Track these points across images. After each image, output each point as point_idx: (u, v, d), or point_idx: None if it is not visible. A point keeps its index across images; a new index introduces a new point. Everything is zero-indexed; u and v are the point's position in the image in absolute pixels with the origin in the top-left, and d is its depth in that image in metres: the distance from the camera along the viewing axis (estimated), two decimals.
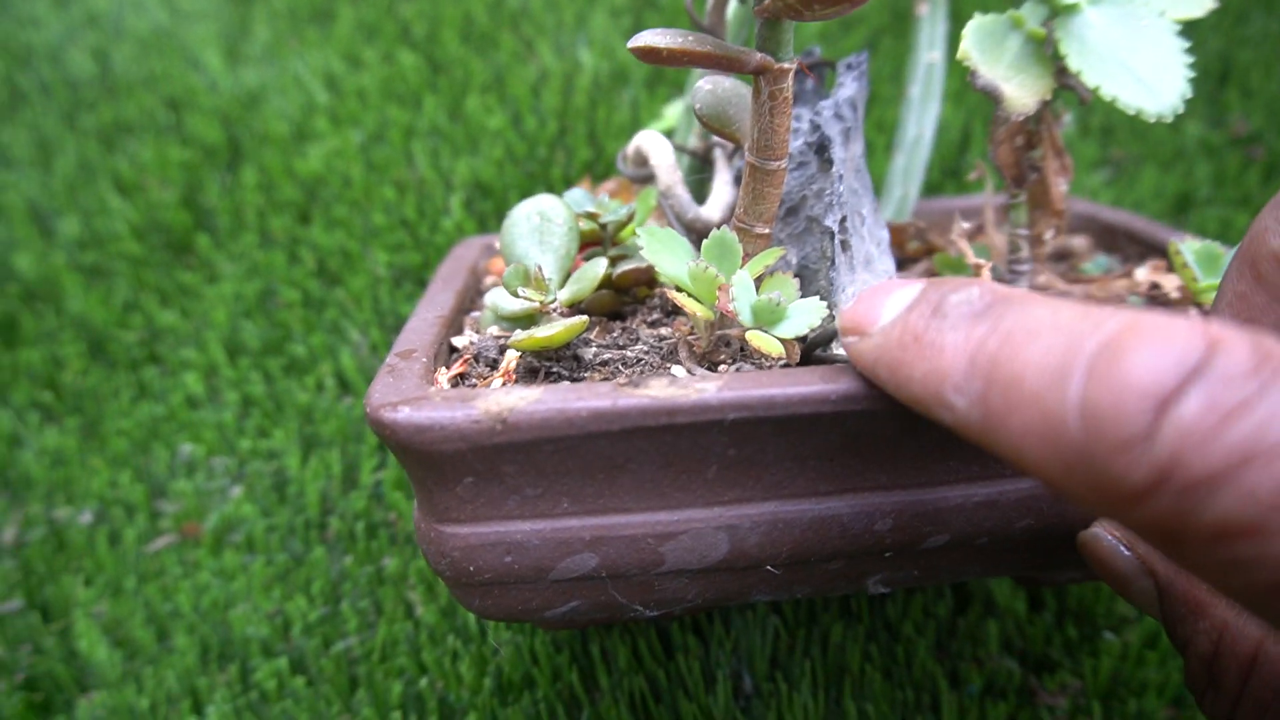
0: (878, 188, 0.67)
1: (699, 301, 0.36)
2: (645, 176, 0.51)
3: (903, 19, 0.86)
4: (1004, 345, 0.22)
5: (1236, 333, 0.19)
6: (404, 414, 0.30)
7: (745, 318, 0.35)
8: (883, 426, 0.31)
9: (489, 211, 0.74)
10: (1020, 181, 0.41)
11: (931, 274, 0.47)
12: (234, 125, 0.84)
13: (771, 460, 0.31)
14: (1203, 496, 0.18)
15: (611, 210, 0.45)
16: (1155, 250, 0.47)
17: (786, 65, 0.34)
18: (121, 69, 0.92)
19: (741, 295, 0.34)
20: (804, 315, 0.34)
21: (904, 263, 0.51)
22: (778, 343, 0.34)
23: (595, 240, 0.47)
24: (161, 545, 0.64)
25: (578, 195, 0.47)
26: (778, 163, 0.36)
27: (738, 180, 0.47)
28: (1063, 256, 0.53)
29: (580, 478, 0.31)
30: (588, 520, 0.32)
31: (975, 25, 0.37)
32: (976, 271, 0.42)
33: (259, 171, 0.80)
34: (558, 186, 0.74)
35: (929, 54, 0.55)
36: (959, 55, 0.37)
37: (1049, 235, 0.43)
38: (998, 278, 0.44)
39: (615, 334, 0.41)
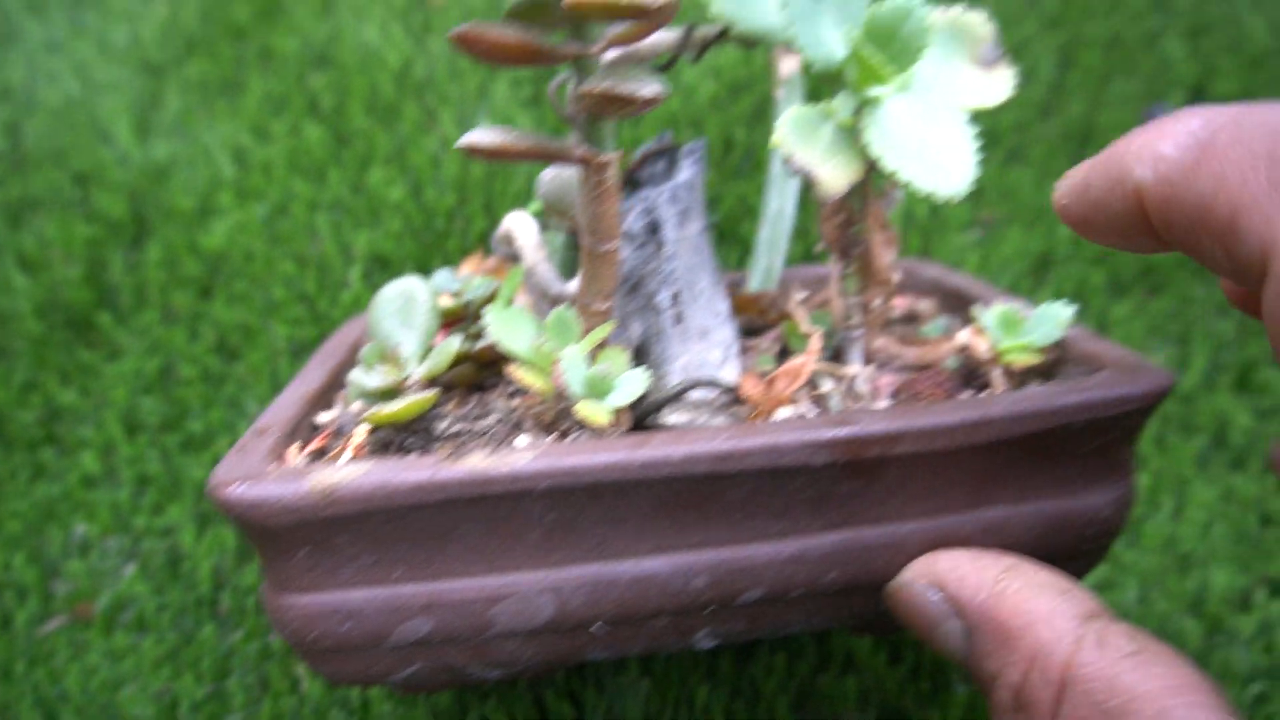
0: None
1: (537, 376, 0.39)
2: (515, 256, 0.54)
3: None
4: (1237, 117, 0.27)
5: None
6: (239, 491, 0.32)
7: (576, 390, 0.37)
8: (689, 490, 0.33)
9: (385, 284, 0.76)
10: (845, 255, 0.45)
11: (782, 340, 0.51)
12: (140, 200, 0.86)
13: (588, 524, 0.33)
14: None
15: (473, 289, 0.48)
16: None
17: (607, 158, 0.37)
18: (32, 143, 0.93)
19: (570, 370, 0.37)
20: (629, 386, 0.37)
21: (762, 329, 0.54)
22: (604, 413, 0.37)
23: (461, 317, 0.50)
24: (53, 627, 0.64)
25: (444, 276, 0.50)
26: (608, 245, 0.39)
27: None
28: (912, 318, 0.57)
29: (411, 545, 0.33)
30: (420, 586, 0.34)
31: (791, 115, 0.40)
32: (807, 339, 0.45)
33: (163, 247, 0.81)
34: (454, 258, 0.77)
35: None
36: (772, 142, 0.40)
37: (877, 303, 0.46)
38: (835, 343, 0.47)
39: (470, 406, 0.44)
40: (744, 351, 0.49)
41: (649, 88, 0.32)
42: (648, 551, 0.34)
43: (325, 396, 0.47)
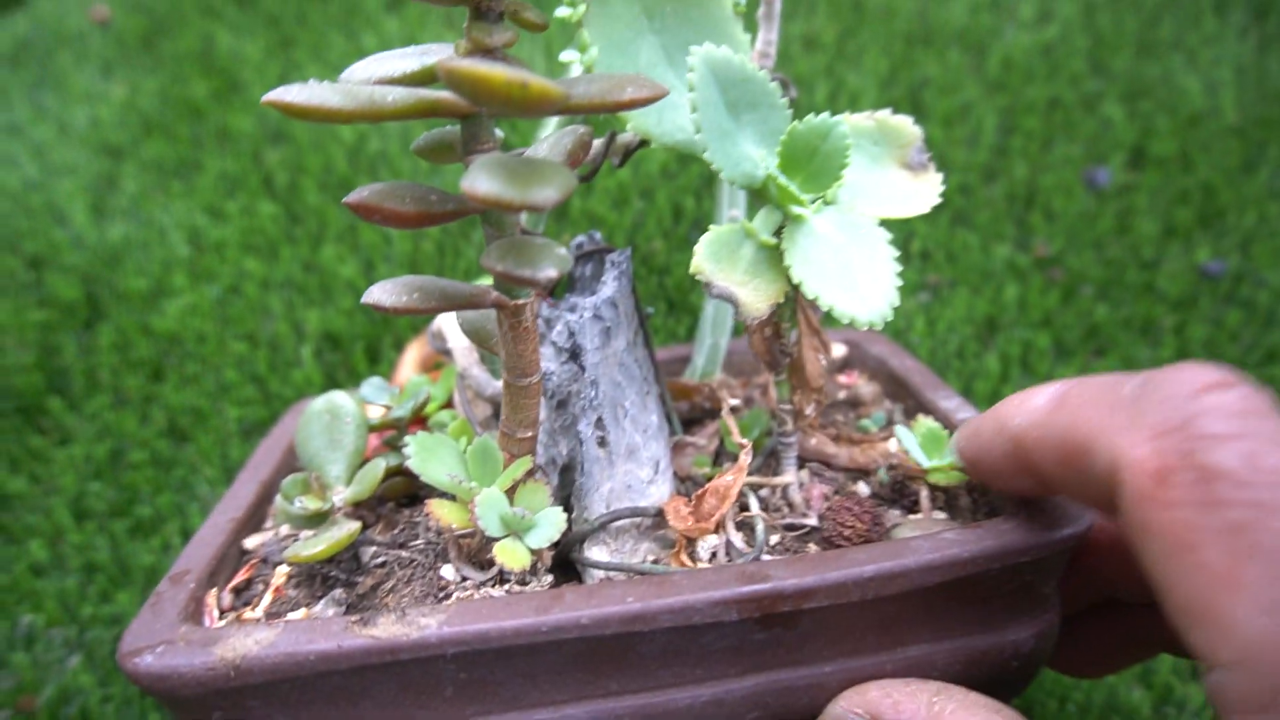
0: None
1: (455, 513, 0.37)
2: (448, 351, 0.53)
3: None
4: (1083, 378, 0.32)
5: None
6: (146, 662, 0.32)
7: (493, 531, 0.36)
8: (601, 646, 0.32)
9: (338, 363, 0.75)
10: (774, 366, 0.43)
11: (717, 434, 0.49)
12: (94, 283, 0.84)
13: (502, 679, 0.32)
14: (1209, 445, 0.26)
15: (402, 404, 0.47)
16: (923, 408, 0.50)
17: (521, 302, 0.36)
18: None
19: (487, 512, 0.36)
20: (546, 529, 0.36)
21: (704, 415, 0.53)
22: (522, 555, 0.36)
23: (394, 427, 0.48)
24: None
25: (375, 384, 0.49)
26: (528, 379, 0.38)
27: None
28: (854, 404, 0.55)
29: (325, 705, 0.32)
30: None
31: (710, 237, 0.39)
32: (741, 449, 0.43)
33: (115, 330, 0.80)
34: (405, 335, 0.76)
35: (730, 211, 0.59)
36: (692, 269, 0.38)
37: (809, 410, 0.44)
38: (769, 445, 0.46)
39: (398, 529, 0.42)
40: (682, 448, 0.48)
41: (546, 271, 0.30)
42: (566, 701, 0.33)
43: (257, 513, 0.46)
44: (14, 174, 0.95)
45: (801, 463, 0.46)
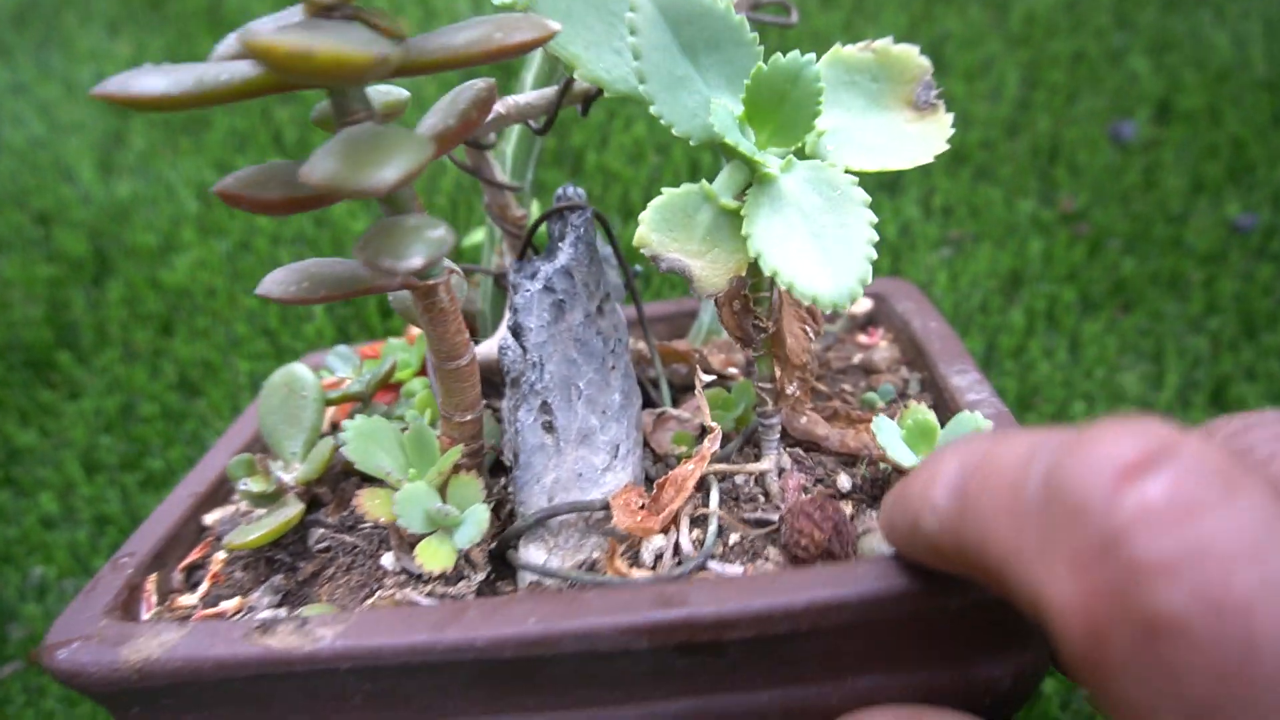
0: None
1: (382, 507, 0.35)
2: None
3: None
4: (984, 455, 0.24)
5: (1198, 437, 0.19)
6: (60, 657, 0.31)
7: (416, 528, 0.34)
8: (506, 667, 0.30)
9: (350, 317, 0.75)
10: (747, 342, 0.38)
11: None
12: (102, 238, 0.84)
13: (411, 691, 0.31)
14: (1144, 582, 0.18)
15: (360, 377, 0.46)
16: (935, 383, 0.45)
17: (432, 282, 0.33)
18: None
19: (409, 509, 0.34)
20: (470, 526, 0.34)
21: (689, 389, 0.50)
22: (445, 555, 0.34)
23: (357, 399, 0.47)
24: (8, 673, 0.62)
25: (341, 353, 0.48)
26: (456, 362, 0.35)
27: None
28: (868, 370, 0.50)
29: (234, 707, 0.32)
30: None
31: (661, 202, 0.33)
32: (709, 432, 0.39)
33: (124, 285, 0.80)
34: None
35: None
36: (635, 241, 0.33)
37: (792, 389, 0.39)
38: (753, 428, 0.42)
39: (347, 512, 0.41)
40: (664, 422, 0.43)
41: (410, 261, 0.27)
42: (482, 713, 0.31)
43: (224, 486, 0.44)
44: (20, 132, 0.95)
45: (791, 442, 0.41)
